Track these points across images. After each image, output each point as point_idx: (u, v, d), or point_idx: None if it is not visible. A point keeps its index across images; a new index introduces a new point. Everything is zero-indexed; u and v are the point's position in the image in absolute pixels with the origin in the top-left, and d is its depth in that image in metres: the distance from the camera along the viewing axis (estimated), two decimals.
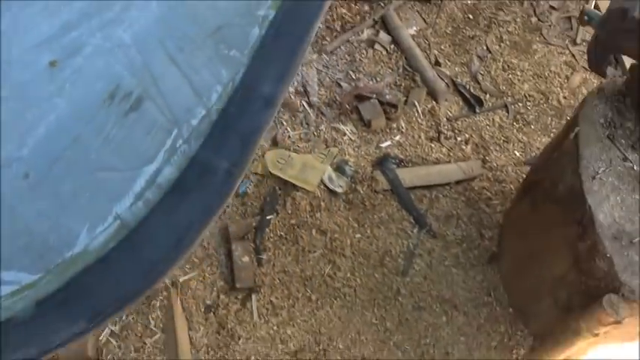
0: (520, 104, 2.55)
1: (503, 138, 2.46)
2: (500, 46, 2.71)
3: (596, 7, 2.68)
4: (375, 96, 2.47)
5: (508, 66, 2.66)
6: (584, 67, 2.66)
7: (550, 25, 2.79)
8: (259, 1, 0.98)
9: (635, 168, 1.68)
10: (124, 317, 1.99)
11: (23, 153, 0.83)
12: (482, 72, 2.63)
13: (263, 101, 0.94)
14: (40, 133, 0.86)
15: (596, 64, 1.76)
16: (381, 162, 2.34)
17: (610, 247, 1.58)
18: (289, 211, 2.21)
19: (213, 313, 2.04)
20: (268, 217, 2.20)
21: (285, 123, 2.42)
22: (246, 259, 2.12)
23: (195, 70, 0.92)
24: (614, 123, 1.75)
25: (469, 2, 2.84)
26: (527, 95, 2.57)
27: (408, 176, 2.32)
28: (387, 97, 2.50)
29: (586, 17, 1.70)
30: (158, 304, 2.03)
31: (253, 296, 2.08)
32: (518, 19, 2.80)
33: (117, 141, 0.89)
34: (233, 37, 0.95)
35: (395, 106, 2.48)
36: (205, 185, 0.87)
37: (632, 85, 1.73)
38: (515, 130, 2.47)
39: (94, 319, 0.76)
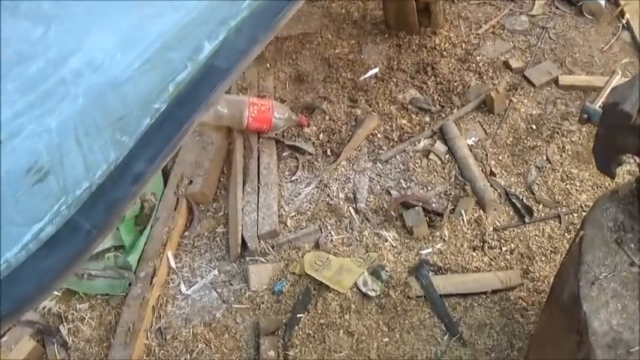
0: (575, 214, 2.44)
1: (551, 248, 2.36)
2: (561, 155, 2.66)
3: None
4: (420, 204, 2.51)
5: (567, 176, 2.58)
6: None
7: None
8: (158, 95, 1.17)
9: None
10: None
11: None
12: (538, 182, 2.58)
13: (132, 178, 1.14)
14: None
15: (603, 165, 1.68)
16: (417, 268, 2.34)
17: (602, 356, 1.46)
18: (319, 311, 2.26)
19: None
20: (299, 316, 2.26)
21: (329, 227, 2.52)
22: (271, 353, 2.19)
23: (92, 151, 1.15)
24: (624, 227, 1.65)
25: (534, 113, 2.83)
26: (583, 205, 2.47)
27: (442, 284, 2.29)
28: (434, 205, 2.53)
29: (585, 115, 1.60)
30: None
31: None
32: (583, 129, 2.73)
33: (22, 204, 1.13)
34: (128, 125, 1.17)
35: (440, 215, 2.49)
36: (69, 241, 1.08)
37: None
38: (565, 241, 2.37)
39: None
